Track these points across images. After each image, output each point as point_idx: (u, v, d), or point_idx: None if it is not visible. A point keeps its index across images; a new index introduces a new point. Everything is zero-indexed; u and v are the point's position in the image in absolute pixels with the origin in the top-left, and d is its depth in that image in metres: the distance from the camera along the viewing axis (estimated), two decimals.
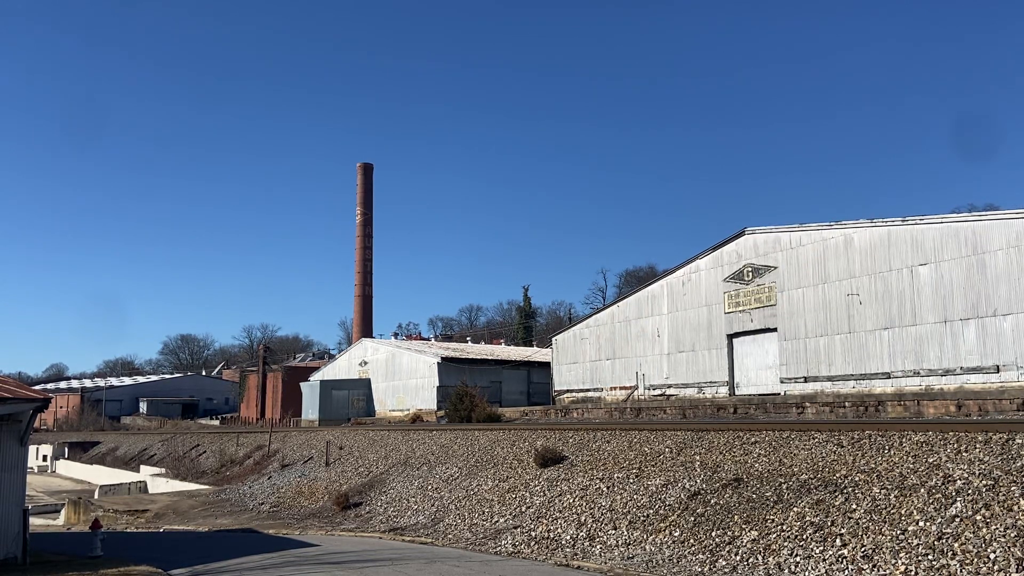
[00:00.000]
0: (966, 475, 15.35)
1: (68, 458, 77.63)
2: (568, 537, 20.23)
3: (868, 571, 13.64)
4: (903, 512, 14.85)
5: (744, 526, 16.96)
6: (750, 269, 39.14)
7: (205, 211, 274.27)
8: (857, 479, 16.98)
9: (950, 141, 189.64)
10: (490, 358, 66.17)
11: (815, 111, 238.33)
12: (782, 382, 36.85)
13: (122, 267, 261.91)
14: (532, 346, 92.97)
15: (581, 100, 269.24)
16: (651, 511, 19.67)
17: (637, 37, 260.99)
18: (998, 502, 13.93)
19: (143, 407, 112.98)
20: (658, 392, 43.41)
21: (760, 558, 15.54)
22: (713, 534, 17.21)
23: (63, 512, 42.76)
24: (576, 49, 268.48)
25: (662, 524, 18.75)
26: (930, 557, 13.20)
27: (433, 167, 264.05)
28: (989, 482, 14.72)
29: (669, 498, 19.97)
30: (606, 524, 20.08)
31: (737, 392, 39.16)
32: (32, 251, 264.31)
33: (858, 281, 34.11)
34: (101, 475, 63.34)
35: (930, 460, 16.66)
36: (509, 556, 19.88)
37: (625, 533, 19.14)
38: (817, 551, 14.87)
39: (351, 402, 65.50)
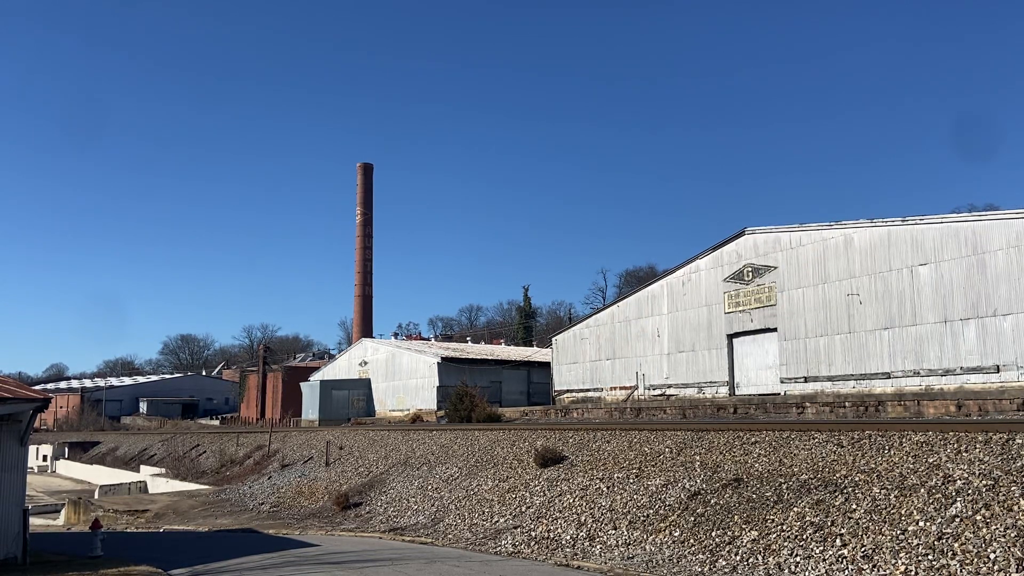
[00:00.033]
0: (966, 475, 15.35)
1: (68, 458, 77.65)
2: (568, 537, 20.23)
3: (868, 571, 13.64)
4: (903, 512, 14.85)
5: (744, 526, 16.95)
6: (750, 269, 39.15)
7: (205, 211, 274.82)
8: (857, 479, 16.98)
9: (950, 141, 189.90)
10: (490, 358, 66.16)
11: (815, 111, 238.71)
12: (782, 382, 36.86)
13: (122, 267, 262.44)
14: (532, 346, 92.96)
15: (581, 100, 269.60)
16: (651, 511, 19.67)
17: (637, 37, 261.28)
18: (998, 502, 13.94)
19: (143, 407, 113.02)
20: (658, 392, 43.42)
21: (760, 558, 15.54)
22: (713, 534, 17.21)
23: (63, 512, 42.76)
24: (576, 49, 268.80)
25: (662, 524, 18.75)
26: (930, 557, 13.20)
27: (433, 167, 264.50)
28: (989, 482, 14.73)
29: (669, 498, 19.97)
30: (606, 524, 20.08)
31: (737, 392, 39.16)
32: (32, 251, 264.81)
33: (858, 281, 34.12)
34: (101, 475, 63.37)
35: (930, 460, 16.67)
36: (509, 556, 19.88)
37: (625, 533, 19.14)
38: (817, 551, 14.87)
39: (351, 402, 65.49)
